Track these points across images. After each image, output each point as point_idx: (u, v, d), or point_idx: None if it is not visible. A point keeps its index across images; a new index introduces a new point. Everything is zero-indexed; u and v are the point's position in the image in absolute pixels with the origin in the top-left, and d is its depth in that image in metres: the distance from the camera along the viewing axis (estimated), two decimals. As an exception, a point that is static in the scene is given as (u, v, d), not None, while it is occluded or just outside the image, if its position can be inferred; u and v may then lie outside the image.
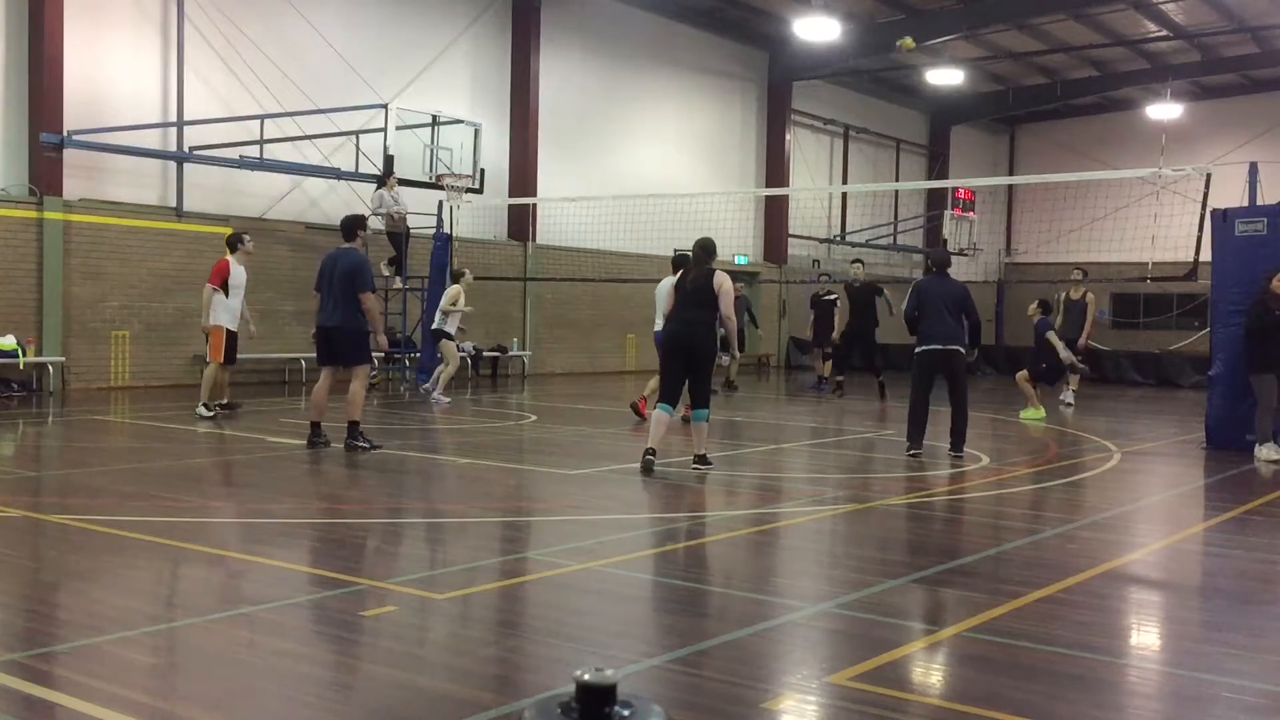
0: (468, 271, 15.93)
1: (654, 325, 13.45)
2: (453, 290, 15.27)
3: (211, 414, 12.52)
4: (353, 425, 10.11)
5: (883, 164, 31.85)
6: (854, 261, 17.63)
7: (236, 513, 7.53)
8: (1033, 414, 14.54)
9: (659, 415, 9.23)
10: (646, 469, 8.90)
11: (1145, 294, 27.67)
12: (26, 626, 4.73)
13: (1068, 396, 16.49)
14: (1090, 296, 16.96)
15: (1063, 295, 17.23)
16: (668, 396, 9.30)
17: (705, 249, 9.47)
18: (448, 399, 15.22)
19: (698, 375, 9.20)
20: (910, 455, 10.41)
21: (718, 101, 26.78)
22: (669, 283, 10.82)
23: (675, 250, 13.17)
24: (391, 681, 4.01)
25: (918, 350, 10.75)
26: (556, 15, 22.38)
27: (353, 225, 10.61)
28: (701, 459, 9.27)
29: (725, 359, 18.93)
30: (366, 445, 10.02)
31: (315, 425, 10.29)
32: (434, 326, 15.48)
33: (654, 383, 11.84)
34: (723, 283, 9.20)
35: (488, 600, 5.30)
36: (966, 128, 34.51)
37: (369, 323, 10.31)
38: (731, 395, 18.35)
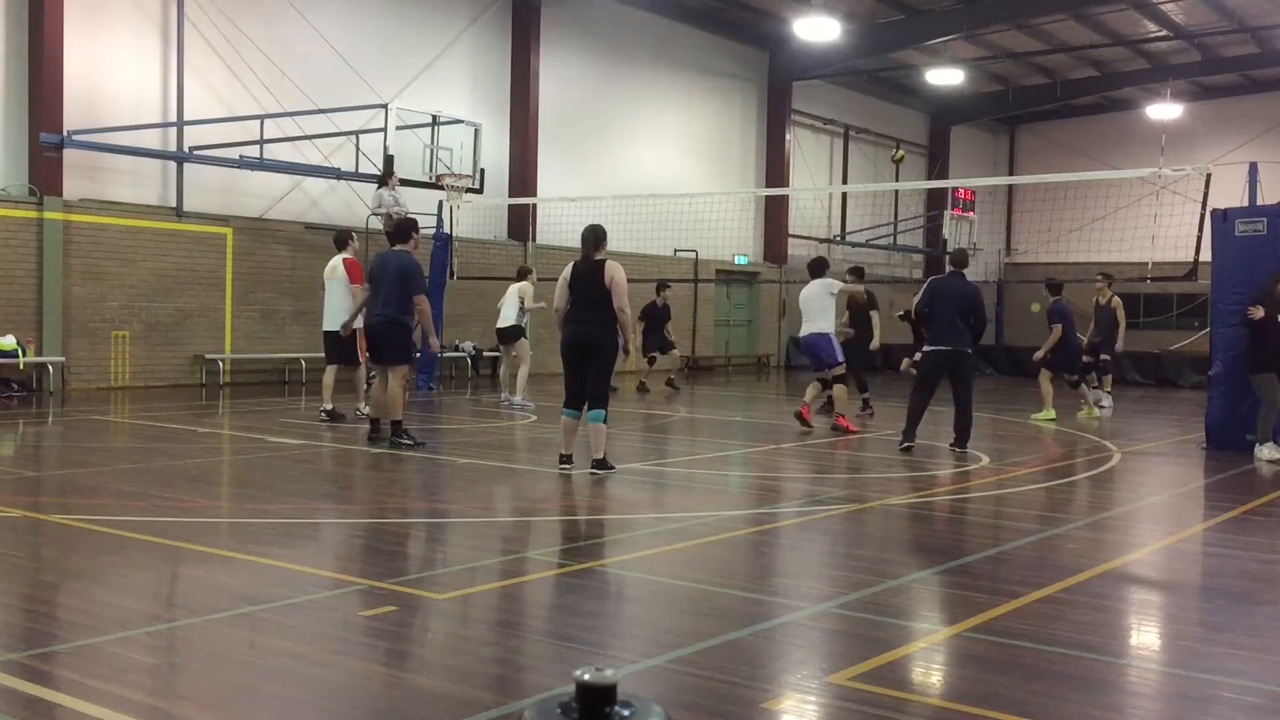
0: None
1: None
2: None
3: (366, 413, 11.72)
4: (396, 425, 10.41)
5: (883, 164, 31.83)
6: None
7: (236, 513, 7.52)
8: (1045, 416, 14.43)
9: (566, 421, 8.99)
10: (566, 477, 8.77)
11: (1145, 294, 27.65)
12: (26, 626, 4.73)
13: (1104, 400, 16.30)
14: (1117, 300, 16.35)
15: (1094, 301, 16.60)
16: (572, 401, 8.92)
17: (593, 238, 8.86)
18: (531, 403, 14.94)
19: (596, 375, 8.75)
20: (903, 450, 10.62)
21: (718, 101, 26.77)
22: (564, 276, 9.18)
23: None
24: (391, 681, 4.01)
25: (927, 350, 10.98)
26: (556, 15, 22.38)
27: (407, 228, 10.83)
28: (600, 464, 8.80)
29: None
30: (411, 442, 10.25)
31: (375, 422, 10.88)
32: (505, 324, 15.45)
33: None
34: (614, 274, 8.70)
35: (488, 600, 5.29)
36: (966, 128, 34.50)
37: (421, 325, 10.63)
38: (674, 394, 18.07)
